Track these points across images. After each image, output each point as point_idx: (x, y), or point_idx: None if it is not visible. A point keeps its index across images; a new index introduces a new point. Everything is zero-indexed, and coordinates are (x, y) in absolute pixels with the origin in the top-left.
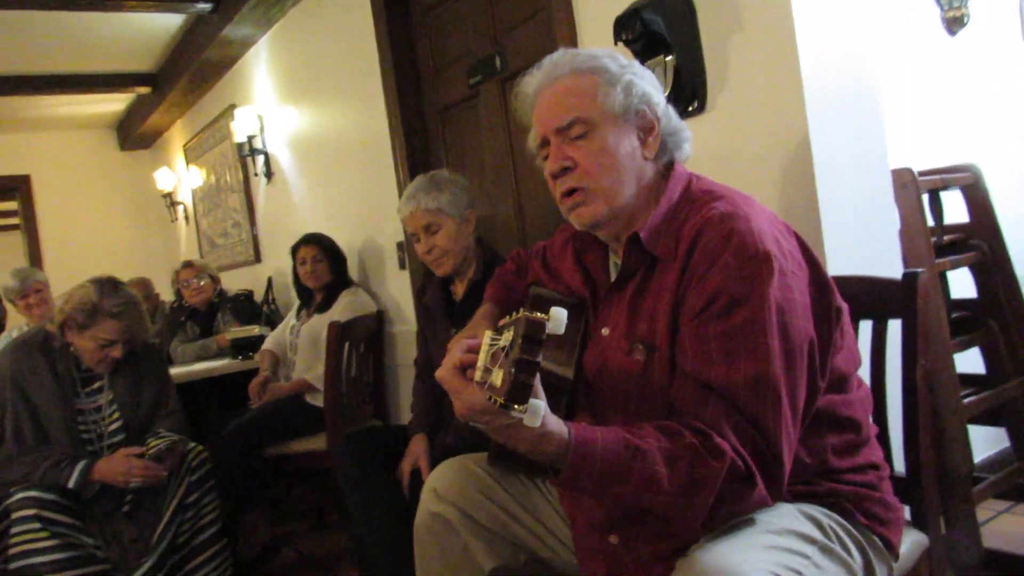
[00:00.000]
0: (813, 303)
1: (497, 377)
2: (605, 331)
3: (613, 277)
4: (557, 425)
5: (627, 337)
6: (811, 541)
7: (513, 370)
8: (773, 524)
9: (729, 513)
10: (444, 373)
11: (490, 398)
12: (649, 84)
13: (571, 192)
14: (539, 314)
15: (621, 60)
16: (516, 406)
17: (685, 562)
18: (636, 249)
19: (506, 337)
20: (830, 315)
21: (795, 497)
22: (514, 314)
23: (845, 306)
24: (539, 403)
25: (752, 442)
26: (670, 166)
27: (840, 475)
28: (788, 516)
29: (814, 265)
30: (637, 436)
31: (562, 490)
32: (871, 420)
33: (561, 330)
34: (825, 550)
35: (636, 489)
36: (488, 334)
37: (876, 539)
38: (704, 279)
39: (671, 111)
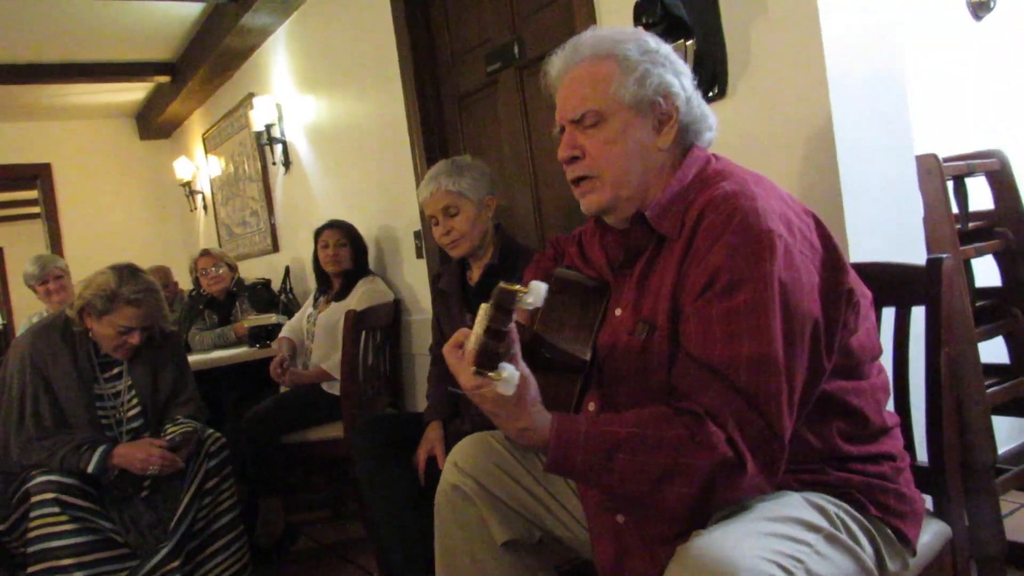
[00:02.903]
0: (823, 283)
1: (473, 344)
2: (618, 311)
3: None
4: (540, 420)
5: (633, 316)
6: (815, 529)
7: (484, 337)
8: (776, 512)
9: (723, 499)
10: (445, 349)
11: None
12: (670, 72)
13: (580, 180)
14: (517, 286)
15: (647, 44)
16: (488, 372)
17: (682, 548)
18: (641, 228)
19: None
20: (840, 296)
21: (803, 486)
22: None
23: (868, 293)
24: (513, 373)
25: (752, 426)
26: (688, 150)
27: (851, 463)
28: (793, 504)
29: (829, 247)
30: (624, 425)
31: None
32: (888, 410)
33: (540, 303)
34: (830, 538)
35: (618, 479)
36: (483, 306)
37: (889, 531)
38: (706, 258)
39: (696, 99)
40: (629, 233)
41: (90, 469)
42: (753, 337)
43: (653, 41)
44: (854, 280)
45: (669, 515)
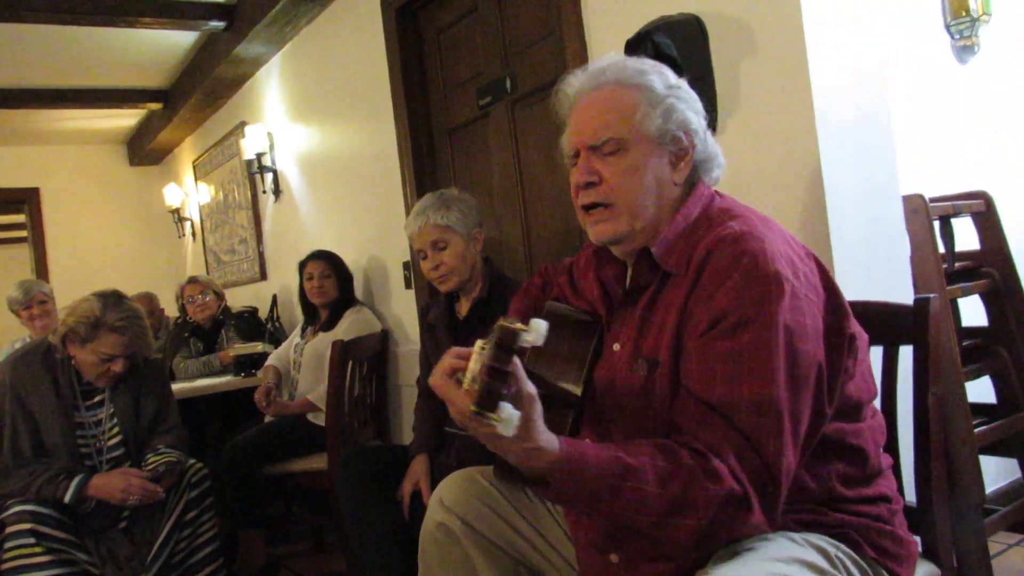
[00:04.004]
0: (827, 329)
1: (474, 384)
2: (616, 347)
3: None
4: (548, 440)
5: (633, 352)
6: (819, 571)
7: (484, 377)
8: (780, 552)
9: (726, 537)
10: (435, 379)
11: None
12: (691, 109)
13: (593, 206)
14: (519, 324)
15: (669, 78)
16: (489, 413)
17: None
18: (647, 263)
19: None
20: (843, 342)
21: (802, 526)
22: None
23: (865, 335)
24: (513, 412)
25: (751, 465)
26: (695, 185)
27: (848, 505)
28: (795, 545)
29: (832, 291)
30: (631, 454)
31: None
32: (882, 451)
33: (540, 342)
34: None
35: (626, 507)
36: (479, 342)
37: (885, 573)
38: (712, 297)
39: (708, 136)
40: (635, 268)
41: (67, 499)
42: (755, 378)
43: (674, 76)
44: (856, 324)
45: (671, 548)
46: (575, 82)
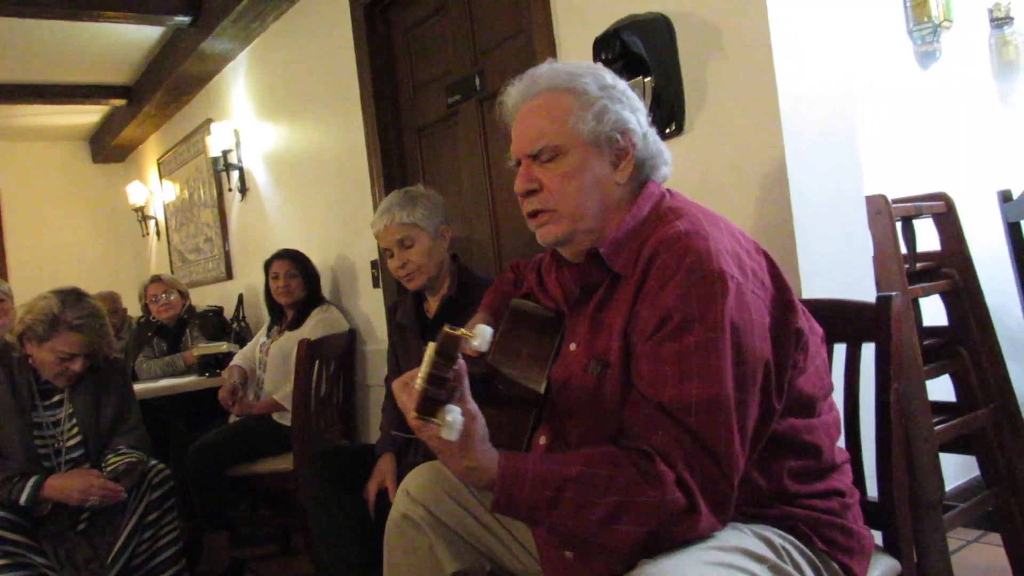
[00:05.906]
0: (774, 323)
1: (418, 386)
2: (572, 346)
3: None
4: (488, 458)
5: (586, 353)
6: (760, 560)
7: (424, 384)
8: (724, 542)
9: (675, 541)
10: (394, 387)
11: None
12: (627, 108)
13: (536, 212)
14: (462, 330)
15: (604, 79)
16: (432, 418)
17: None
18: (595, 264)
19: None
20: (789, 336)
21: (748, 519)
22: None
23: (819, 330)
24: (457, 418)
25: (701, 467)
26: (644, 184)
27: (797, 499)
28: (740, 534)
29: (780, 286)
30: (572, 464)
31: None
32: (839, 446)
33: (485, 348)
34: (775, 569)
35: (567, 517)
36: (432, 345)
37: (836, 566)
38: (657, 297)
39: (651, 135)
40: (584, 269)
41: (22, 501)
42: (703, 378)
43: (610, 76)
44: (803, 319)
45: (616, 553)
46: (513, 92)
